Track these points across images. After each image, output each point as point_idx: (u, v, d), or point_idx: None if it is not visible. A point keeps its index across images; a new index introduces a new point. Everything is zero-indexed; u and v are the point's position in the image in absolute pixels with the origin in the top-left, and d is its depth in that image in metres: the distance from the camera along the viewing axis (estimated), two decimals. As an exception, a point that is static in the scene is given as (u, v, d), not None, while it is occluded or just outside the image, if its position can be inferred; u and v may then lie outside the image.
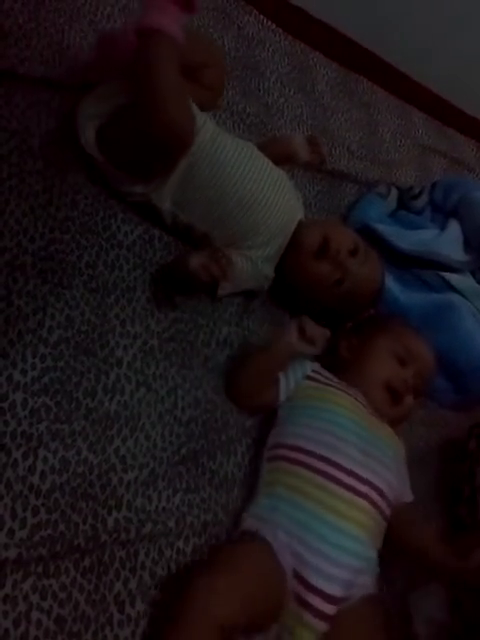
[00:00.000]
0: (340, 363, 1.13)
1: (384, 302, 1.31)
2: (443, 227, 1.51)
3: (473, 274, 1.46)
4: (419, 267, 1.40)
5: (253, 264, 1.09)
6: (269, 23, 1.62)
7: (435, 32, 1.82)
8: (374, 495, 0.92)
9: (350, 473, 0.92)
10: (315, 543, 0.85)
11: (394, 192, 1.57)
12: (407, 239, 1.42)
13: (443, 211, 1.56)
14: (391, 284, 1.34)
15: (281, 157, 1.18)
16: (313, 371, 1.08)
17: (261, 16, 1.61)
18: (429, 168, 1.88)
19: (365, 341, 1.13)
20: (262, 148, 1.13)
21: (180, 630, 0.74)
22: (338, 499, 0.89)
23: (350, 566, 0.86)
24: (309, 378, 1.06)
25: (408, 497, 1.04)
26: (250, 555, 0.84)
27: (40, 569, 0.75)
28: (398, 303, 1.33)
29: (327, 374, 1.09)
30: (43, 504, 0.79)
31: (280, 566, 0.84)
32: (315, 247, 1.11)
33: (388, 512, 0.95)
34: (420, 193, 1.58)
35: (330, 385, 1.05)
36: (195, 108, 1.06)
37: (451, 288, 1.38)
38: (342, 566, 0.85)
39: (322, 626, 0.82)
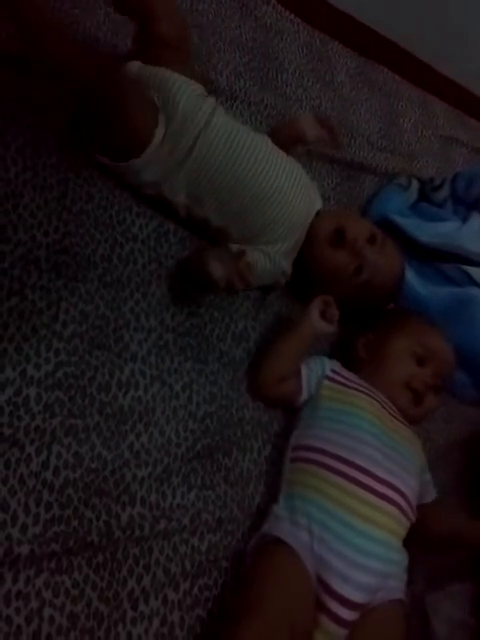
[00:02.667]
0: (357, 362, 1.12)
1: (404, 296, 1.29)
2: (465, 219, 1.48)
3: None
4: (440, 260, 1.37)
5: (271, 259, 1.08)
6: (287, 13, 1.59)
7: (456, 21, 1.78)
8: (398, 498, 0.91)
9: (373, 476, 0.90)
10: (338, 546, 0.83)
11: (415, 184, 1.54)
12: (428, 232, 1.39)
13: (465, 203, 1.53)
14: (411, 277, 1.32)
15: (291, 139, 1.15)
16: (332, 371, 1.06)
17: (279, 6, 1.58)
18: (451, 159, 1.84)
19: (382, 340, 1.11)
20: (272, 135, 1.10)
21: None
22: (362, 502, 0.88)
23: (375, 570, 0.84)
24: (329, 379, 1.04)
25: (431, 496, 1.03)
26: (282, 578, 0.81)
27: (53, 565, 0.75)
28: (418, 297, 1.31)
29: (347, 374, 1.07)
30: (56, 500, 0.78)
31: (310, 577, 0.82)
32: (330, 236, 1.09)
33: (411, 515, 0.94)
34: (441, 185, 1.54)
35: (353, 387, 1.03)
36: (200, 89, 1.05)
37: (473, 282, 1.35)
38: (366, 570, 0.83)
39: (340, 632, 0.81)
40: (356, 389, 1.03)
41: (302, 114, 1.22)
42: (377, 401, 1.02)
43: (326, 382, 1.04)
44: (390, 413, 1.02)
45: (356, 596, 0.81)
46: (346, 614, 0.81)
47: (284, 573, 0.82)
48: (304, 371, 1.03)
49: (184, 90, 1.00)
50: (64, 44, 0.91)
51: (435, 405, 1.10)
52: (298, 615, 0.78)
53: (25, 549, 0.73)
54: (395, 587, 0.87)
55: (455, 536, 1.00)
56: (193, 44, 1.22)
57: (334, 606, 0.81)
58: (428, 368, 1.08)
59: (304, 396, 1.02)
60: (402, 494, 0.92)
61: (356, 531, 0.85)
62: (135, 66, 1.03)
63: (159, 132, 0.98)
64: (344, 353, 1.15)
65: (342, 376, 1.06)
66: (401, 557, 0.90)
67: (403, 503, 0.92)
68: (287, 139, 1.14)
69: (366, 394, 1.02)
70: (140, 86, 1.00)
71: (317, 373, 1.04)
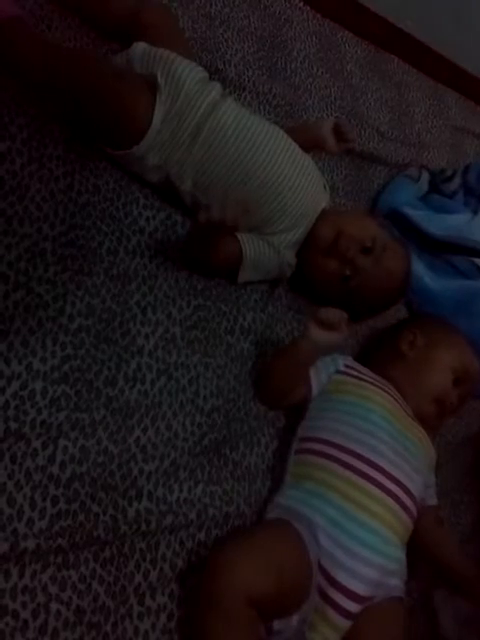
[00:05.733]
0: (396, 354, 1.10)
1: (415, 290, 1.28)
2: (476, 211, 1.46)
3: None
4: (451, 253, 1.36)
5: (275, 250, 1.07)
6: (297, 1, 1.57)
7: (469, 9, 1.75)
8: (402, 495, 0.90)
9: (382, 471, 0.90)
10: (344, 540, 0.84)
11: (425, 175, 1.53)
12: (438, 224, 1.37)
13: (476, 194, 1.51)
14: (422, 271, 1.31)
15: (310, 144, 1.13)
16: (345, 366, 1.05)
17: (288, -7, 1.56)
18: (462, 150, 1.82)
19: (429, 345, 1.10)
20: (291, 133, 1.09)
21: (207, 601, 0.73)
22: (368, 497, 0.88)
23: (378, 566, 0.84)
24: (342, 373, 1.03)
25: (432, 501, 1.02)
26: (280, 531, 0.84)
27: (59, 560, 0.74)
28: (429, 290, 1.30)
29: (361, 368, 1.06)
30: (63, 494, 0.78)
31: (308, 552, 0.82)
32: (326, 243, 1.07)
33: (415, 514, 0.93)
34: (452, 176, 1.53)
35: (366, 380, 1.02)
36: (204, 73, 1.04)
37: (484, 274, 1.34)
38: (370, 565, 0.83)
39: (344, 623, 0.81)
40: (369, 382, 1.02)
41: (324, 122, 1.18)
42: (391, 396, 1.01)
43: (338, 376, 1.03)
44: (403, 409, 1.01)
45: (361, 589, 0.82)
46: (351, 606, 0.81)
47: (281, 530, 0.83)
48: (313, 377, 1.01)
49: (188, 72, 1.00)
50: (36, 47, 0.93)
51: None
52: (289, 566, 0.78)
53: (31, 544, 0.73)
54: (395, 585, 0.87)
55: (439, 560, 1.00)
56: (182, 31, 1.21)
57: (339, 598, 0.81)
58: (459, 389, 1.08)
59: (314, 397, 1.01)
60: (408, 492, 0.92)
61: (362, 526, 0.85)
62: (140, 47, 1.02)
63: (157, 115, 0.97)
64: (384, 341, 1.15)
65: (355, 370, 1.05)
66: (402, 555, 0.90)
67: (408, 501, 0.91)
68: (306, 142, 1.11)
69: (379, 388, 1.01)
70: (125, 73, 1.01)
71: (328, 373, 1.03)
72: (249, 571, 0.73)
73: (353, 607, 0.81)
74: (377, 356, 1.12)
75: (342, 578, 0.82)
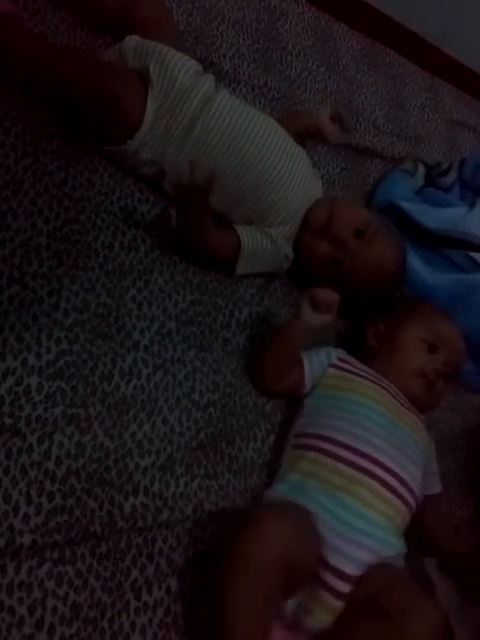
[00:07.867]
0: (368, 351, 1.10)
1: (410, 283, 1.27)
2: (472, 204, 1.46)
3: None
4: (447, 246, 1.35)
5: (273, 242, 1.07)
6: (292, -7, 1.57)
7: (465, 2, 1.74)
8: (400, 488, 0.91)
9: (375, 462, 0.90)
10: (332, 523, 0.84)
11: (421, 168, 1.52)
12: (434, 217, 1.37)
13: (472, 188, 1.51)
14: (417, 264, 1.31)
15: (305, 132, 1.13)
16: (338, 359, 1.05)
17: (284, -14, 1.55)
18: (458, 143, 1.82)
19: (393, 328, 1.10)
20: (284, 120, 1.09)
21: (240, 562, 0.73)
22: (361, 486, 0.88)
23: (370, 547, 0.84)
24: (335, 366, 1.03)
25: (436, 489, 1.02)
26: (300, 509, 0.84)
27: (56, 555, 0.74)
28: (424, 284, 1.29)
29: (354, 362, 1.06)
30: (59, 490, 0.78)
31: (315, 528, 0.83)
32: (319, 224, 1.07)
33: (413, 503, 0.93)
34: (448, 169, 1.52)
35: (359, 374, 1.02)
36: (197, 66, 1.04)
37: (479, 268, 1.34)
38: (361, 546, 0.84)
39: (337, 603, 0.81)
40: (363, 377, 1.02)
41: (320, 109, 1.19)
42: (385, 389, 1.01)
43: (331, 370, 1.03)
44: (398, 401, 1.01)
45: (349, 568, 0.82)
46: (341, 586, 0.82)
47: (300, 508, 0.83)
48: (306, 362, 1.02)
49: (181, 66, 1.00)
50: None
51: (442, 392, 1.09)
52: (311, 540, 0.80)
53: (27, 539, 0.73)
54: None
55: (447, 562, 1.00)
56: (176, 24, 1.21)
57: (330, 579, 0.82)
58: (440, 355, 1.07)
59: (307, 387, 1.02)
60: (405, 484, 0.92)
61: (355, 513, 0.86)
62: (133, 40, 1.02)
63: (150, 110, 0.97)
64: (354, 342, 1.14)
65: (349, 364, 1.05)
66: (400, 544, 0.90)
67: (406, 494, 0.92)
68: (299, 130, 1.12)
69: (373, 382, 1.01)
70: (116, 67, 1.01)
71: (321, 363, 1.03)
72: (287, 538, 0.74)
73: (341, 586, 0.82)
74: (356, 355, 1.11)
75: (331, 559, 0.82)
